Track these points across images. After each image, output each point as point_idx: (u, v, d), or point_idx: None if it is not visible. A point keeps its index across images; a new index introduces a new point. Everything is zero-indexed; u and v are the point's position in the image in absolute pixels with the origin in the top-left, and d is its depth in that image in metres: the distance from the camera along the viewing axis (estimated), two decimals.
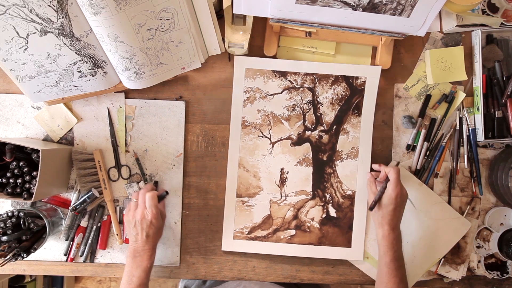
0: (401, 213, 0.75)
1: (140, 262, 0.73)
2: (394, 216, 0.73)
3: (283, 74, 0.84)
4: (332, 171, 0.85)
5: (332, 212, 0.85)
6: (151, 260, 0.74)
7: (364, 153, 0.85)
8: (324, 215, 0.85)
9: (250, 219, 0.85)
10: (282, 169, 0.85)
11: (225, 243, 0.84)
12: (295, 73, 0.84)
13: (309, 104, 0.85)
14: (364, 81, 0.84)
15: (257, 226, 0.85)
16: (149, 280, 0.75)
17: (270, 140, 0.85)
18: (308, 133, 0.85)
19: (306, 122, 0.85)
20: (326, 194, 0.85)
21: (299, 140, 0.85)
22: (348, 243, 0.84)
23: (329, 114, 0.85)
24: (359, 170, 0.85)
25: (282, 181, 0.85)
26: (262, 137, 0.85)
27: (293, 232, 0.85)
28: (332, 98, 0.85)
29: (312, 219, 0.85)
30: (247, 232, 0.84)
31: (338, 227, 0.85)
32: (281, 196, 0.85)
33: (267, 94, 0.84)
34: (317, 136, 0.85)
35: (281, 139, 0.85)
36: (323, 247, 0.84)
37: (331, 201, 0.85)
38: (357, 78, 0.84)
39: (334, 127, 0.85)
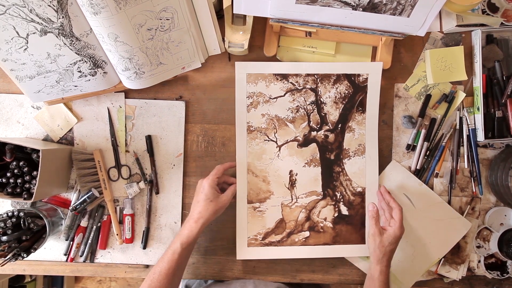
0: (395, 249, 0.76)
1: (180, 232, 0.70)
2: (393, 253, 0.74)
3: (284, 76, 0.84)
4: (340, 169, 0.85)
5: (344, 210, 0.85)
6: (192, 233, 0.69)
7: (371, 149, 0.85)
8: (336, 214, 0.85)
9: (263, 224, 0.84)
10: (290, 171, 0.85)
11: (239, 252, 0.83)
12: (297, 75, 0.84)
13: (313, 105, 0.85)
14: (366, 78, 0.84)
15: (270, 231, 0.84)
16: (188, 257, 0.72)
17: (277, 143, 0.85)
18: (313, 133, 0.85)
19: (311, 122, 0.85)
20: (336, 193, 0.85)
21: (306, 141, 0.85)
22: (362, 240, 0.84)
23: (333, 113, 0.85)
24: (367, 167, 0.85)
25: (292, 183, 0.85)
26: (268, 141, 0.85)
27: (307, 234, 0.84)
28: (335, 97, 0.85)
29: (325, 219, 0.85)
30: (261, 239, 0.83)
31: (351, 225, 0.85)
32: (292, 199, 0.85)
33: (270, 98, 0.84)
34: (323, 136, 0.85)
35: (288, 141, 0.85)
36: (338, 246, 0.84)
37: (342, 200, 0.85)
38: (359, 75, 0.84)
39: (340, 126, 0.85)
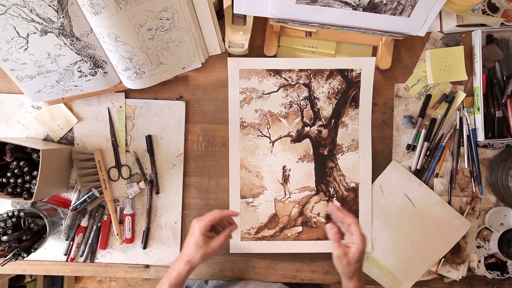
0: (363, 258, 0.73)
1: (170, 273, 0.69)
2: (362, 266, 0.71)
3: (277, 72, 0.84)
4: (334, 165, 0.85)
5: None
6: (181, 275, 0.68)
7: (365, 144, 0.85)
8: None
9: (256, 219, 0.84)
10: (284, 166, 0.85)
11: (232, 245, 0.84)
12: (290, 70, 0.84)
13: (306, 100, 0.85)
14: (359, 73, 0.84)
15: (263, 226, 0.84)
16: None
17: (270, 139, 0.85)
18: (307, 129, 0.85)
19: (304, 118, 0.85)
20: (330, 189, 0.85)
21: (299, 137, 0.85)
22: None
23: (326, 109, 0.85)
24: (360, 162, 0.85)
25: (285, 179, 0.85)
26: (262, 136, 0.85)
27: (300, 229, 0.84)
28: (329, 92, 0.85)
29: (318, 214, 0.85)
30: (254, 233, 0.84)
31: None
32: (285, 194, 0.85)
33: (263, 93, 0.84)
34: (316, 131, 0.85)
35: (281, 137, 0.85)
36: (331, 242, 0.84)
37: (335, 195, 0.85)
38: (352, 70, 0.84)
39: (333, 121, 0.85)
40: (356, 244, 0.69)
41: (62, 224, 0.84)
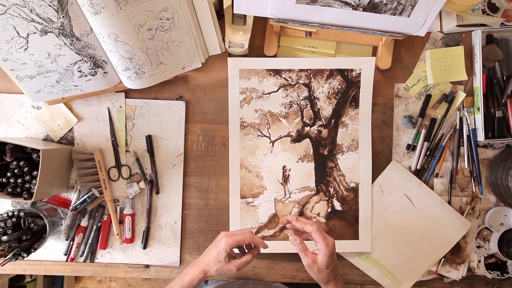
0: (336, 260, 0.71)
1: (183, 276, 0.69)
2: (335, 268, 0.70)
3: (277, 72, 0.84)
4: (334, 165, 0.85)
5: (337, 206, 0.85)
6: (193, 281, 0.68)
7: (364, 144, 0.85)
8: (329, 210, 0.85)
9: (256, 219, 0.84)
10: (284, 166, 0.85)
11: None
12: (290, 70, 0.84)
13: (306, 100, 0.85)
14: (359, 73, 0.84)
15: (263, 226, 0.84)
16: None
17: (270, 139, 0.85)
18: (307, 129, 0.85)
19: (304, 118, 0.85)
20: (330, 189, 0.85)
21: (299, 137, 0.85)
22: (355, 235, 0.84)
23: (326, 109, 0.85)
24: (360, 162, 0.85)
25: (285, 179, 0.85)
26: (262, 136, 0.85)
27: None
28: (329, 92, 0.85)
29: (318, 214, 0.85)
30: (254, 233, 0.84)
31: (345, 220, 0.85)
32: (285, 194, 0.85)
33: (263, 93, 0.84)
34: (316, 131, 0.85)
35: (281, 137, 0.85)
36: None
37: (335, 195, 0.85)
38: (352, 70, 0.84)
39: (333, 121, 0.85)
40: (321, 250, 0.68)
41: (62, 224, 0.84)
